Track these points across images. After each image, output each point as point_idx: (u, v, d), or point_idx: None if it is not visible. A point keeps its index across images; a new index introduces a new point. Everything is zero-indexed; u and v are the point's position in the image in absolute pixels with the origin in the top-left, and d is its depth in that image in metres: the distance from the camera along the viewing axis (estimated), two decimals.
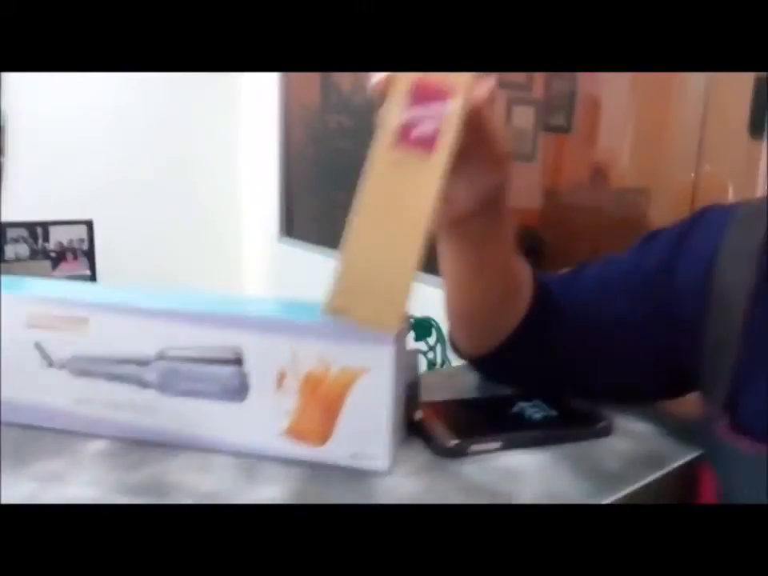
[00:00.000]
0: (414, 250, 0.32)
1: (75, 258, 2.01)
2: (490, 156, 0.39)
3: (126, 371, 0.42)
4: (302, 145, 2.13)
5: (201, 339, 0.41)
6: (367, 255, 0.33)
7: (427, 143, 0.31)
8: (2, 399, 0.44)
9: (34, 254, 1.95)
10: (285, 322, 0.40)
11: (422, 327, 1.22)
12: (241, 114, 2.32)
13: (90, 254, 2.02)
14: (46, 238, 1.95)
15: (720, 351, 0.41)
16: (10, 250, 1.90)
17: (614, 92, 1.33)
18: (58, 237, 1.97)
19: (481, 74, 0.35)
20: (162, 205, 2.18)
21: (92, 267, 2.02)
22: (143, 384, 0.42)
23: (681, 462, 0.43)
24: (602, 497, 0.38)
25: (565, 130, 1.43)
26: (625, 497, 0.39)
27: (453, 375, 0.60)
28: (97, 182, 2.04)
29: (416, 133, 0.31)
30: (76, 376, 0.43)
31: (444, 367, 1.27)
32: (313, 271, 1.13)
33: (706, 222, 0.45)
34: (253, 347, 0.40)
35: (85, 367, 0.42)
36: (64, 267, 2.00)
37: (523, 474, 0.41)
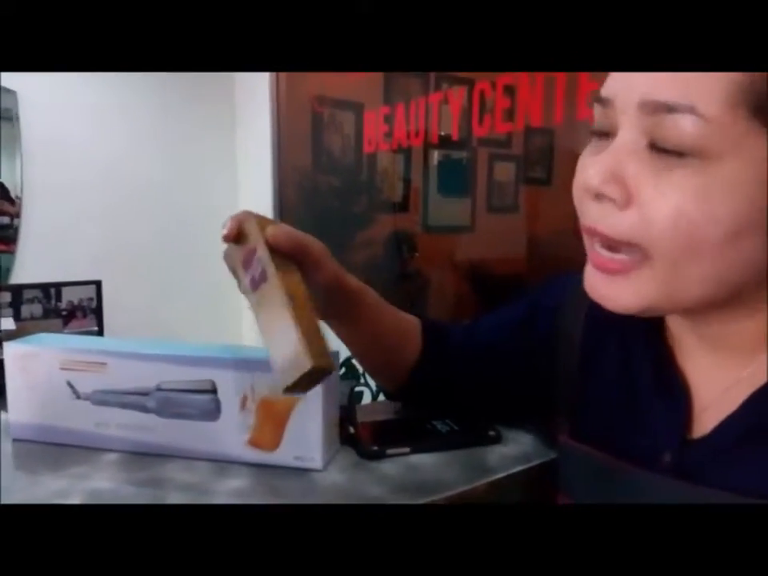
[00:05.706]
0: (292, 321, 0.47)
1: (84, 315, 2.18)
2: (309, 260, 0.54)
3: (133, 400, 0.57)
4: (294, 205, 2.31)
5: (186, 375, 0.56)
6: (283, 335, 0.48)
7: (262, 278, 0.50)
8: (41, 424, 0.59)
9: (47, 313, 2.12)
10: (246, 362, 0.56)
11: (354, 369, 1.42)
12: (238, 179, 2.52)
13: (98, 312, 2.19)
14: (59, 298, 2.12)
15: (564, 381, 0.56)
16: (25, 310, 2.07)
17: None
18: (69, 296, 2.15)
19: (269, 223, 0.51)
20: (165, 267, 2.36)
21: (99, 324, 2.19)
22: (145, 410, 0.57)
23: (544, 460, 0.58)
24: (473, 482, 0.53)
25: (545, 182, 1.57)
26: (491, 483, 0.54)
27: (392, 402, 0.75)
28: (105, 246, 2.23)
29: (255, 279, 0.50)
30: (96, 405, 0.58)
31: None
32: None
33: (554, 287, 0.60)
34: (223, 380, 0.56)
35: (103, 398, 0.58)
36: (74, 324, 2.16)
37: (422, 468, 0.56)
